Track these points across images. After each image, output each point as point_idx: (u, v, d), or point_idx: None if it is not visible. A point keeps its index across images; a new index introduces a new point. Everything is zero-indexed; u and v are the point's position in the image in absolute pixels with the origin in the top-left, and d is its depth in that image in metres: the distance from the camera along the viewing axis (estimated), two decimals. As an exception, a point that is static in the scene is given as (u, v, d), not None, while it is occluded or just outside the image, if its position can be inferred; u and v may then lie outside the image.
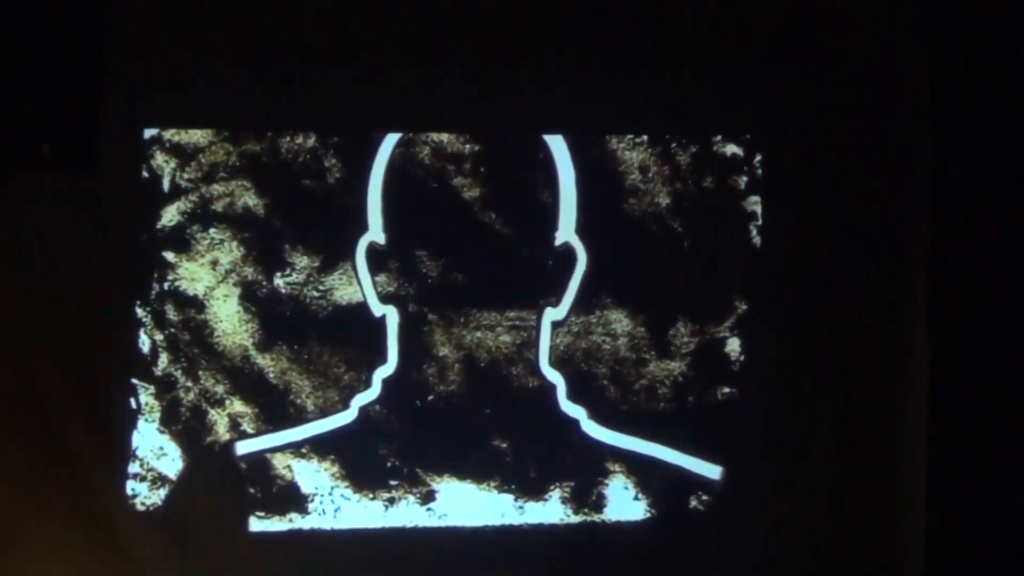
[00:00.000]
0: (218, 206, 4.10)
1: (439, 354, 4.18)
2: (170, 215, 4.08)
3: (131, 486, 4.06)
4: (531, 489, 4.22)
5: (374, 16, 4.05)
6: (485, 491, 4.19)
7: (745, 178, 4.25)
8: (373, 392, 4.18)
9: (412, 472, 4.16)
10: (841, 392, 4.21)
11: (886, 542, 4.18)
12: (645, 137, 4.21)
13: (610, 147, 4.22)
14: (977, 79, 3.98)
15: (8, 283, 3.87)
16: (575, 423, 4.23)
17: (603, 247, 4.19)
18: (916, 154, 4.12)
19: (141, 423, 4.07)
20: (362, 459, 4.15)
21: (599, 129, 4.20)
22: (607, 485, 4.23)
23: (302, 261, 4.12)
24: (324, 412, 4.14)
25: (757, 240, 4.24)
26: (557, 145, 4.18)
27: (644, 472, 4.24)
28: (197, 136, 4.08)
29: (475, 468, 4.20)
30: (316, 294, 4.14)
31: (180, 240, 4.09)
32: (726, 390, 4.26)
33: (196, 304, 4.10)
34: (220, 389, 4.10)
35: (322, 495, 4.13)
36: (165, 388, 4.09)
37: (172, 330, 4.09)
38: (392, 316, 4.17)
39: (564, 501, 4.22)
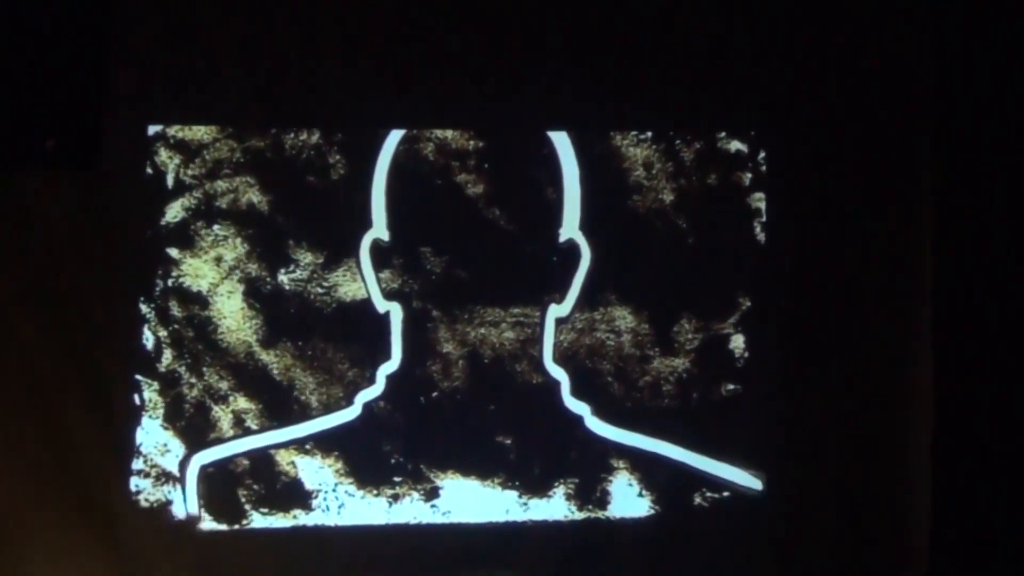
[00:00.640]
0: (222, 203, 4.10)
1: (443, 351, 4.18)
2: (174, 211, 4.08)
3: (135, 482, 4.06)
4: (535, 486, 4.22)
5: (378, 13, 4.05)
6: (489, 488, 4.19)
7: (749, 175, 4.24)
8: (377, 388, 4.18)
9: (416, 469, 4.16)
10: (845, 388, 4.21)
11: (891, 537, 4.18)
12: (649, 133, 4.21)
13: (614, 143, 4.22)
14: (982, 77, 3.98)
15: (12, 279, 3.87)
16: (579, 420, 4.23)
17: (607, 244, 4.19)
18: (920, 151, 4.12)
19: (145, 419, 4.07)
20: (366, 456, 4.15)
21: (603, 126, 4.20)
22: (611, 482, 4.23)
23: (306, 257, 4.12)
24: (328, 408, 4.14)
25: (761, 237, 4.24)
26: (561, 141, 4.18)
27: (648, 469, 4.24)
28: (201, 133, 4.08)
29: (479, 464, 4.20)
30: (320, 290, 4.14)
31: (184, 236, 4.09)
32: (730, 387, 4.26)
33: (200, 300, 4.11)
34: (224, 385, 4.10)
35: (326, 492, 4.13)
36: (169, 384, 4.09)
37: (176, 326, 4.10)
38: (396, 312, 4.17)
39: (568, 498, 4.22)
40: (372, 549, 4.14)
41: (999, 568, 3.98)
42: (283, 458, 4.12)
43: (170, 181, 4.08)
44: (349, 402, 4.16)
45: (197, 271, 4.10)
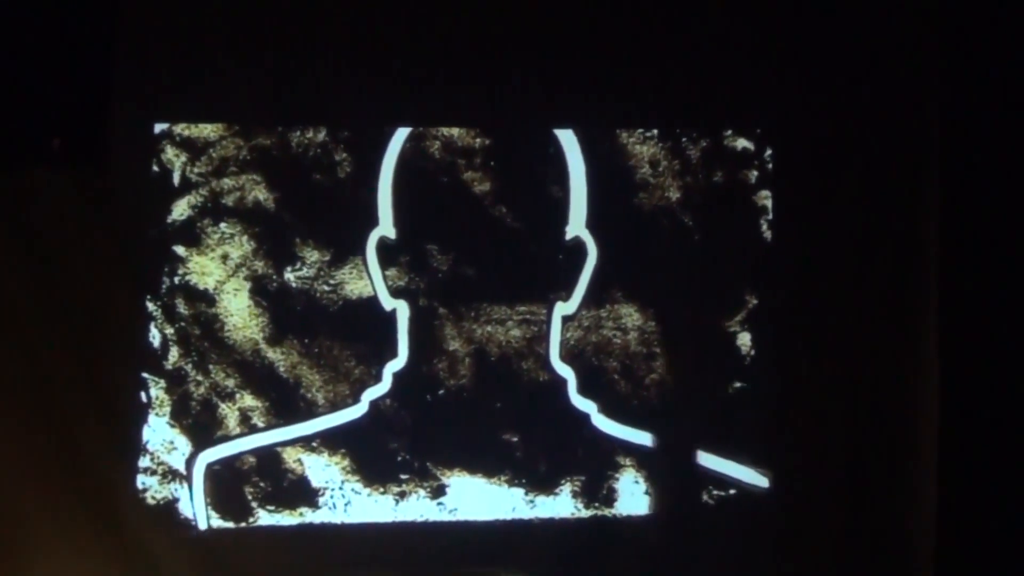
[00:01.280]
0: (229, 200, 4.10)
1: (450, 348, 4.18)
2: (180, 209, 4.09)
3: (141, 480, 4.07)
4: (542, 483, 4.22)
5: (384, 10, 4.06)
6: (496, 485, 4.20)
7: (756, 172, 4.24)
8: (384, 386, 4.18)
9: (423, 466, 4.16)
10: (851, 386, 4.21)
11: (896, 537, 4.18)
12: (655, 131, 4.21)
13: (620, 141, 4.22)
14: (990, 75, 3.97)
15: (19, 277, 3.87)
16: (586, 417, 4.23)
17: (613, 241, 4.19)
18: (927, 148, 4.11)
19: (151, 417, 4.08)
20: (372, 453, 4.15)
21: (609, 123, 4.20)
22: (618, 479, 4.23)
23: (313, 255, 4.13)
24: (334, 406, 4.14)
25: (768, 234, 4.24)
26: (568, 139, 4.18)
27: (654, 466, 4.24)
28: (207, 130, 4.09)
29: (486, 462, 4.20)
30: (327, 288, 4.14)
31: (190, 234, 4.10)
32: (737, 384, 4.26)
33: (207, 298, 4.11)
34: (231, 383, 4.10)
35: (332, 489, 4.13)
36: (175, 382, 4.10)
37: (182, 324, 4.10)
38: (403, 310, 4.17)
39: (575, 495, 4.22)
40: (378, 547, 4.15)
41: (1005, 568, 3.97)
42: (290, 456, 4.12)
43: (176, 179, 4.08)
44: (356, 400, 4.16)
45: (203, 269, 4.10)
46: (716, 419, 4.24)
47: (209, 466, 4.09)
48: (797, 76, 4.17)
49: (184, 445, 4.08)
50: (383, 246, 4.14)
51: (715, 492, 4.26)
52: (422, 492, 4.16)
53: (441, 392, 4.18)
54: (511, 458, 4.20)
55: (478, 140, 4.16)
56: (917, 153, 4.14)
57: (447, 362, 4.18)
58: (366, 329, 4.17)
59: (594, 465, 4.24)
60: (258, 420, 4.10)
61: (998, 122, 3.99)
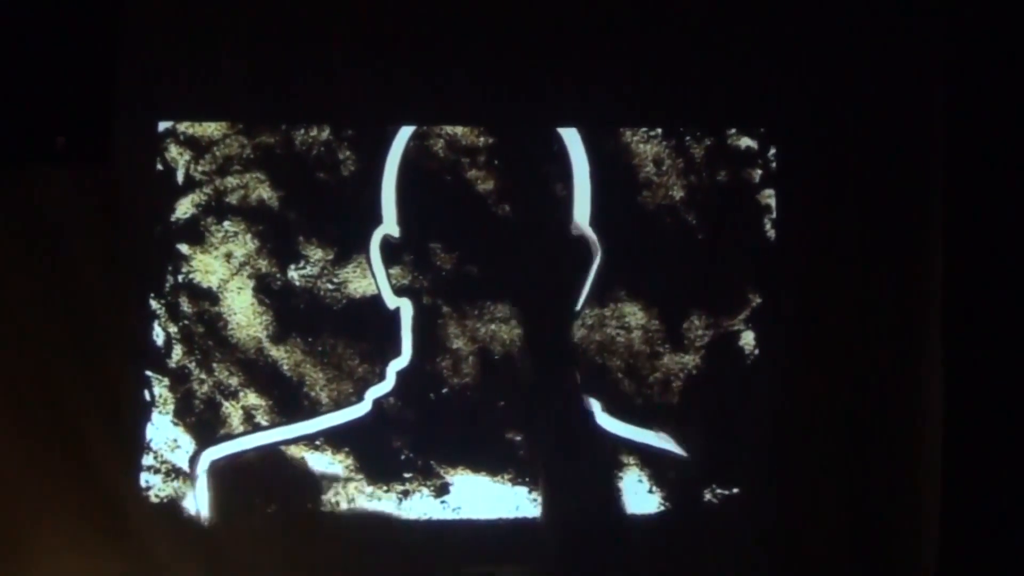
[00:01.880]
0: (232, 199, 4.11)
1: (453, 347, 4.18)
2: (184, 208, 4.09)
3: (145, 478, 4.07)
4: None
5: (388, 8, 4.05)
6: (499, 484, 4.20)
7: (759, 171, 4.24)
8: (387, 384, 4.17)
9: (426, 465, 4.16)
10: (855, 385, 4.20)
11: (899, 537, 4.18)
12: (659, 130, 4.21)
13: (624, 140, 4.21)
14: (993, 73, 3.96)
15: (23, 276, 3.88)
16: (589, 416, 4.22)
17: (617, 240, 4.19)
18: (931, 147, 4.11)
19: (155, 415, 4.08)
20: (376, 452, 4.15)
21: (613, 122, 4.19)
22: (621, 478, 4.23)
23: (316, 254, 4.13)
24: (338, 404, 4.15)
25: (771, 233, 4.23)
26: (572, 138, 4.17)
27: (658, 465, 4.24)
28: (211, 129, 4.09)
29: (489, 461, 4.20)
30: (330, 287, 4.14)
31: (194, 232, 4.10)
32: (740, 383, 4.25)
33: (210, 296, 4.11)
34: (234, 381, 4.11)
35: (336, 487, 4.13)
36: (179, 380, 4.10)
37: (186, 322, 4.10)
38: (406, 309, 4.17)
39: (579, 494, 4.23)
40: (382, 545, 4.15)
41: (1010, 570, 3.97)
42: (293, 454, 4.13)
43: (180, 177, 4.09)
44: (359, 398, 4.16)
45: (207, 267, 4.10)
46: (719, 416, 4.25)
47: (213, 464, 4.09)
48: (801, 75, 4.16)
49: (188, 443, 4.09)
50: (387, 244, 4.14)
51: (719, 491, 4.26)
52: (425, 490, 4.16)
53: (445, 390, 4.18)
54: (515, 457, 4.20)
55: (482, 139, 4.16)
56: (921, 152, 4.13)
57: (451, 360, 4.18)
58: (370, 327, 4.17)
59: (598, 464, 4.24)
60: (261, 418, 4.10)
61: (1003, 121, 3.99)
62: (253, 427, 4.11)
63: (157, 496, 4.09)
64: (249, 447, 4.11)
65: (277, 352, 4.12)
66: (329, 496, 4.12)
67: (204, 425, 4.10)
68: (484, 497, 4.19)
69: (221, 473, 4.11)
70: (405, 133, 4.15)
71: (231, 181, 4.10)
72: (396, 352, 4.18)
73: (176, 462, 4.08)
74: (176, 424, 4.09)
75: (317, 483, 4.12)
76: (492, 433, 4.19)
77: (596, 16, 4.09)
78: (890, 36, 4.13)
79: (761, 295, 4.24)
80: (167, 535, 4.03)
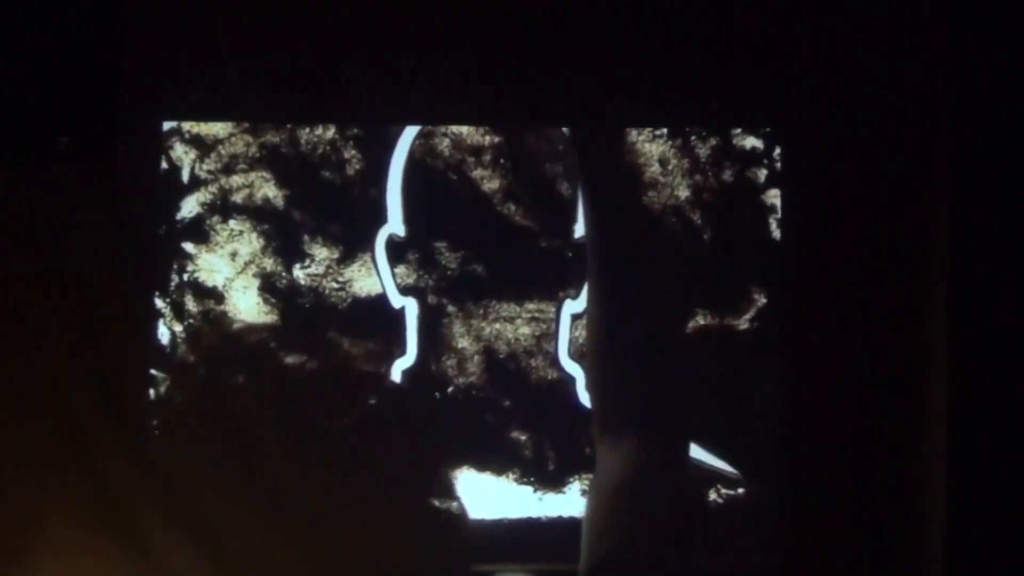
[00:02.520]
0: (238, 197, 4.11)
1: (458, 346, 4.18)
2: (189, 206, 4.10)
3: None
4: (550, 481, 4.22)
5: (393, 8, 4.05)
6: (504, 482, 4.20)
7: (765, 171, 4.23)
8: (393, 384, 4.18)
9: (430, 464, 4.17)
10: (860, 386, 4.18)
11: (905, 538, 4.17)
12: (665, 130, 4.20)
13: (630, 139, 4.20)
14: (999, 74, 3.94)
15: (27, 276, 3.88)
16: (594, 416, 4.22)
17: (622, 240, 4.17)
18: (937, 147, 4.09)
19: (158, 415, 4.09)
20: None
21: (619, 121, 4.18)
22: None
23: (321, 253, 4.13)
24: (343, 404, 4.16)
25: (776, 233, 4.23)
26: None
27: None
28: (216, 127, 4.10)
29: (494, 460, 4.20)
30: (335, 286, 4.14)
31: (199, 231, 4.11)
32: (744, 381, 4.24)
33: (215, 295, 4.12)
34: (239, 380, 4.12)
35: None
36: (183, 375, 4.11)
37: (191, 321, 4.11)
38: (411, 308, 4.17)
39: (583, 493, 4.22)
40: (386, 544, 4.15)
41: (1015, 571, 3.95)
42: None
43: (185, 176, 4.10)
44: (364, 397, 4.17)
45: (212, 266, 4.11)
46: (724, 417, 4.24)
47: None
48: (806, 75, 4.15)
49: (191, 442, 4.10)
50: (392, 244, 4.15)
51: (724, 491, 4.25)
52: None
53: (450, 390, 4.19)
54: (519, 456, 4.20)
55: (487, 138, 4.16)
56: (926, 151, 4.11)
57: (456, 360, 4.19)
58: (375, 327, 4.17)
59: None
60: (266, 418, 4.11)
61: (1008, 119, 3.97)
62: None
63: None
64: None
65: (282, 351, 4.13)
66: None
67: (209, 424, 4.11)
68: (488, 496, 4.19)
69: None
70: (411, 132, 4.15)
71: (236, 180, 4.11)
72: (401, 351, 4.18)
73: (180, 461, 4.09)
74: (181, 423, 4.10)
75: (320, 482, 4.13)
76: (497, 432, 4.20)
77: (602, 16, 4.08)
78: (895, 36, 4.12)
79: (766, 295, 4.24)
80: (172, 533, 4.04)
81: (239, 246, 4.11)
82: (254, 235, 4.11)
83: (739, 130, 4.22)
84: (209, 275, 4.11)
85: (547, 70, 4.11)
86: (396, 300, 4.16)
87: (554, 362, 4.22)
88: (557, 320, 4.21)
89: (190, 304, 4.10)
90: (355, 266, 4.15)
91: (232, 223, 4.11)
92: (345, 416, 4.01)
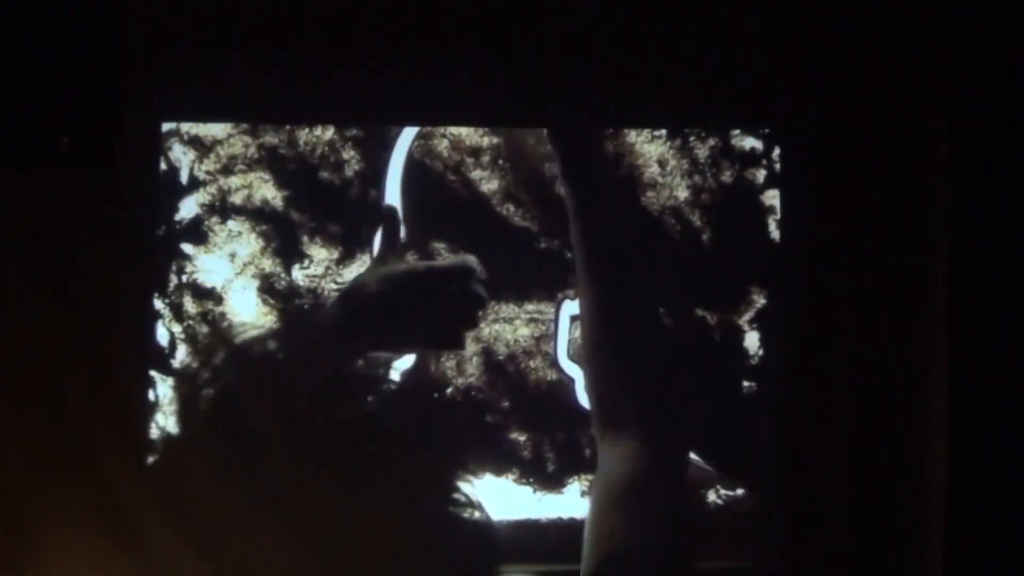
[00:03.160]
0: (236, 198, 4.11)
1: (457, 347, 4.19)
2: (188, 207, 4.10)
3: (150, 478, 4.08)
4: (549, 482, 4.22)
5: (393, 8, 4.05)
6: (503, 484, 4.19)
7: (764, 171, 4.23)
8: (391, 384, 4.17)
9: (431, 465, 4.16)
10: (860, 385, 4.19)
11: (905, 540, 4.17)
12: (663, 131, 4.20)
13: (628, 141, 4.20)
14: (1000, 74, 3.95)
15: (26, 277, 3.87)
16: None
17: (621, 241, 4.17)
18: (937, 148, 4.09)
19: (160, 416, 4.08)
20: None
21: (617, 123, 4.18)
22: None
23: (320, 253, 4.13)
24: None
25: (776, 234, 4.23)
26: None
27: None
28: (215, 129, 4.09)
29: (493, 460, 4.20)
30: (334, 286, 4.14)
31: (198, 232, 4.10)
32: (744, 384, 4.25)
33: (214, 296, 4.11)
34: (239, 381, 4.11)
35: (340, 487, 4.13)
36: (184, 380, 4.10)
37: (190, 322, 4.11)
38: (411, 309, 4.18)
39: (582, 494, 4.22)
40: (386, 544, 4.14)
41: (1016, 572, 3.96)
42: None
43: (184, 177, 4.09)
44: (364, 398, 4.16)
45: (211, 267, 4.11)
46: (723, 418, 4.24)
47: (216, 463, 4.09)
48: (806, 75, 4.15)
49: (192, 443, 4.09)
50: (391, 245, 4.15)
51: (723, 492, 4.26)
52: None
53: (449, 391, 4.18)
54: (518, 457, 4.20)
55: (486, 139, 4.16)
56: (927, 152, 4.12)
57: (455, 361, 4.18)
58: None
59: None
60: (265, 419, 4.10)
61: (1009, 120, 3.98)
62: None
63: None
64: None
65: (281, 352, 4.12)
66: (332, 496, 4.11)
67: (208, 425, 4.10)
68: (488, 498, 4.17)
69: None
70: (409, 133, 4.15)
71: (235, 181, 4.10)
72: (401, 352, 4.19)
73: (180, 462, 4.08)
74: (180, 424, 4.09)
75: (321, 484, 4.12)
76: (496, 434, 4.20)
77: (600, 16, 4.08)
78: (896, 37, 4.12)
79: (766, 296, 4.24)
80: (171, 534, 4.03)
81: (238, 247, 4.11)
82: (253, 236, 4.11)
83: (738, 131, 4.23)
84: (208, 276, 4.11)
85: (545, 71, 4.10)
86: (395, 301, 4.17)
87: (553, 363, 4.22)
88: (556, 321, 4.21)
89: (189, 305, 4.09)
90: (354, 267, 4.14)
91: (231, 224, 4.11)
92: (345, 416, 3.99)
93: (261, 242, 4.11)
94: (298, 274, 4.12)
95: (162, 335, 4.09)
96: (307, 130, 4.11)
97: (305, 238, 4.12)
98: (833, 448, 4.19)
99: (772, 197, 4.23)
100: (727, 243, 4.22)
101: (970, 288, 3.96)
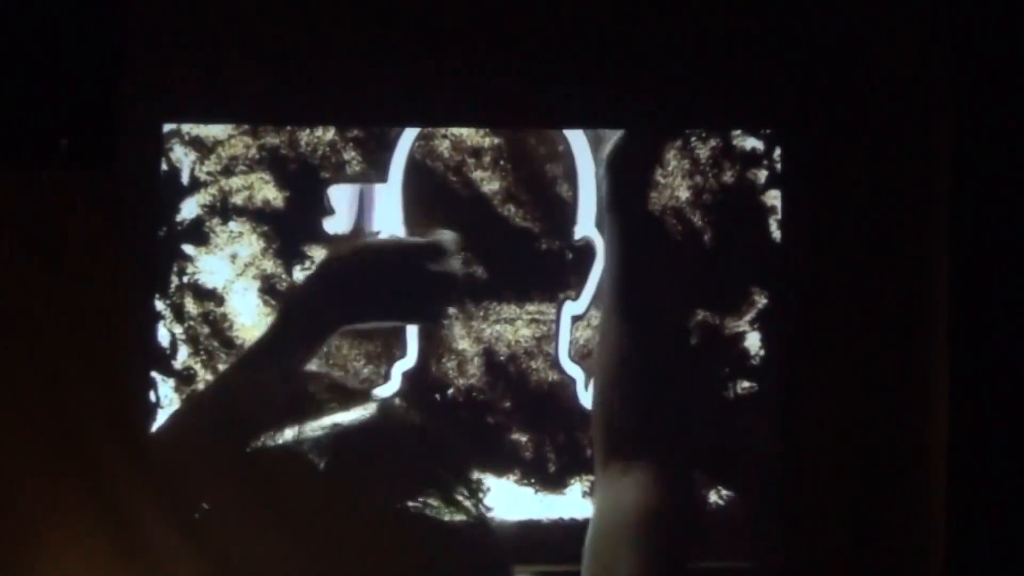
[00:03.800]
0: (237, 199, 4.11)
1: (459, 348, 4.17)
2: (189, 208, 4.10)
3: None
4: (551, 483, 4.22)
5: (394, 8, 4.05)
6: (505, 484, 4.19)
7: (765, 172, 4.23)
8: (393, 385, 4.18)
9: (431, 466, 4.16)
10: (861, 386, 4.18)
11: (905, 542, 4.16)
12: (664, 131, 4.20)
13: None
14: (1001, 75, 3.94)
15: (26, 278, 3.87)
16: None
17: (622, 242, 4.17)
18: (938, 149, 4.09)
19: (160, 416, 4.08)
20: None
21: (619, 123, 4.18)
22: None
23: (321, 254, 4.13)
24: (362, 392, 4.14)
25: (777, 234, 4.22)
26: (577, 139, 4.17)
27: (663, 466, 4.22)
28: (216, 130, 4.10)
29: (494, 462, 4.20)
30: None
31: (199, 233, 4.10)
32: (745, 385, 4.25)
33: (215, 297, 4.11)
34: (240, 382, 4.11)
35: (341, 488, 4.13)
36: (185, 381, 4.10)
37: (191, 323, 4.11)
38: (411, 310, 4.18)
39: (584, 494, 4.21)
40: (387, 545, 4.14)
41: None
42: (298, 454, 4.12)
43: (185, 178, 4.09)
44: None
45: (212, 268, 4.11)
46: (724, 419, 4.24)
47: (217, 464, 4.10)
48: (807, 76, 4.14)
49: (193, 444, 4.09)
50: (392, 245, 4.15)
51: (724, 492, 4.25)
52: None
53: (450, 391, 4.18)
54: (520, 457, 4.20)
55: (487, 139, 4.16)
56: (927, 153, 4.11)
57: (456, 362, 4.18)
58: (375, 329, 4.17)
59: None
60: (266, 420, 4.10)
61: (1010, 121, 3.97)
62: (258, 428, 4.11)
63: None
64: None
65: (282, 353, 4.12)
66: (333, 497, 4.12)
67: (209, 426, 4.10)
68: (489, 498, 4.18)
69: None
70: (411, 134, 4.15)
71: (236, 182, 4.10)
72: (402, 353, 4.17)
73: (181, 463, 4.08)
74: (181, 425, 4.09)
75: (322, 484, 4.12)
76: (497, 434, 4.20)
77: (601, 17, 4.08)
78: (897, 38, 4.12)
79: (767, 296, 4.24)
80: (172, 535, 4.04)
81: (239, 248, 4.11)
82: (254, 237, 4.11)
83: (739, 131, 4.22)
84: (209, 277, 4.11)
85: (546, 72, 4.10)
86: (396, 302, 4.17)
87: (555, 363, 4.21)
88: (557, 322, 4.20)
89: (190, 306, 4.09)
90: (354, 267, 4.15)
91: (232, 225, 4.11)
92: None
93: (262, 243, 4.11)
94: (299, 275, 4.12)
95: (163, 336, 4.09)
96: (308, 131, 4.11)
97: (306, 239, 4.12)
98: (833, 448, 4.19)
99: (773, 198, 4.22)
100: (728, 244, 4.21)
101: (970, 288, 3.95)
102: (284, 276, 4.12)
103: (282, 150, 4.11)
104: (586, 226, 4.16)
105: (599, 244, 4.16)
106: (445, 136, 4.15)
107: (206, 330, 4.10)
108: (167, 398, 4.09)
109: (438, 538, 3.93)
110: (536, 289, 4.19)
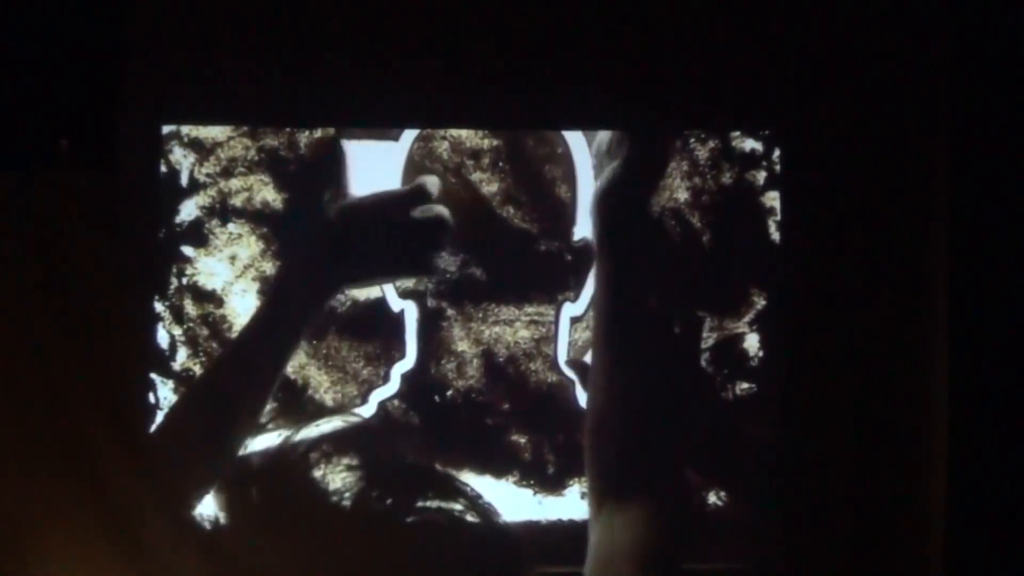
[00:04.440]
0: (237, 201, 4.11)
1: (458, 349, 4.17)
2: (188, 210, 4.10)
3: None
4: (550, 484, 4.22)
5: (393, 10, 4.05)
6: (503, 486, 4.19)
7: (764, 173, 4.23)
8: (392, 387, 4.17)
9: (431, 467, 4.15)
10: (860, 387, 4.18)
11: (905, 543, 4.17)
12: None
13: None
14: (1000, 76, 3.95)
15: (26, 279, 3.87)
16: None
17: (621, 243, 4.17)
18: (937, 150, 4.10)
19: (160, 418, 4.08)
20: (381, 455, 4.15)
21: (618, 125, 4.18)
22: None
23: (320, 255, 4.13)
24: (342, 407, 4.14)
25: (776, 236, 4.22)
26: (576, 140, 4.17)
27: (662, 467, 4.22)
28: (215, 131, 4.09)
29: (493, 463, 4.20)
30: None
31: (198, 235, 4.10)
32: (744, 386, 4.25)
33: (215, 299, 4.11)
34: (238, 384, 4.11)
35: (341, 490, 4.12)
36: (184, 383, 4.10)
37: (191, 325, 4.10)
38: (411, 311, 4.16)
39: (583, 496, 4.21)
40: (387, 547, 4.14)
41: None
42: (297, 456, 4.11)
43: (184, 179, 4.09)
44: (364, 401, 4.16)
45: (211, 269, 4.11)
46: (723, 420, 4.24)
47: (217, 466, 4.10)
48: (806, 77, 4.14)
49: (192, 445, 4.09)
50: (391, 246, 4.15)
51: (724, 494, 4.25)
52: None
53: (449, 393, 4.18)
54: (519, 459, 4.20)
55: (486, 141, 4.16)
56: (927, 154, 4.12)
57: (455, 363, 4.18)
58: (374, 330, 4.17)
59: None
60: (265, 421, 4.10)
61: (1009, 123, 3.98)
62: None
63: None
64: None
65: (281, 355, 4.12)
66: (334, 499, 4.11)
67: (209, 427, 4.10)
68: (488, 499, 4.17)
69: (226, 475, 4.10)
70: (409, 135, 4.15)
71: (235, 183, 4.10)
72: (401, 355, 4.17)
73: (180, 464, 4.08)
74: (181, 426, 4.09)
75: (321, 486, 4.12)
76: (496, 436, 4.19)
77: (600, 18, 4.08)
78: (896, 39, 4.12)
79: (766, 297, 4.24)
80: (172, 537, 4.03)
81: (238, 249, 4.11)
82: (253, 238, 4.11)
83: (738, 133, 4.22)
84: (208, 278, 4.11)
85: (545, 73, 4.10)
86: (395, 303, 4.15)
87: (553, 365, 4.21)
88: (556, 323, 4.20)
89: (189, 308, 4.09)
90: (354, 267, 4.14)
91: (231, 226, 4.11)
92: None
93: (261, 245, 4.11)
94: (298, 276, 4.12)
95: (162, 337, 4.09)
96: (307, 132, 4.11)
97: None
98: (833, 449, 4.19)
99: (772, 199, 4.22)
100: (727, 245, 4.21)
101: (970, 289, 3.96)
102: (283, 278, 4.12)
103: (281, 152, 4.11)
104: (585, 228, 4.16)
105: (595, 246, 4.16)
106: (444, 138, 4.15)
107: (205, 332, 4.10)
108: (166, 399, 4.08)
109: (451, 539, 3.94)
110: (535, 290, 4.19)
